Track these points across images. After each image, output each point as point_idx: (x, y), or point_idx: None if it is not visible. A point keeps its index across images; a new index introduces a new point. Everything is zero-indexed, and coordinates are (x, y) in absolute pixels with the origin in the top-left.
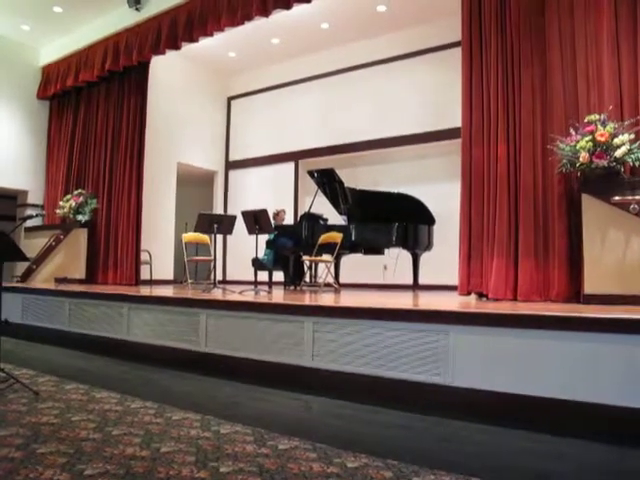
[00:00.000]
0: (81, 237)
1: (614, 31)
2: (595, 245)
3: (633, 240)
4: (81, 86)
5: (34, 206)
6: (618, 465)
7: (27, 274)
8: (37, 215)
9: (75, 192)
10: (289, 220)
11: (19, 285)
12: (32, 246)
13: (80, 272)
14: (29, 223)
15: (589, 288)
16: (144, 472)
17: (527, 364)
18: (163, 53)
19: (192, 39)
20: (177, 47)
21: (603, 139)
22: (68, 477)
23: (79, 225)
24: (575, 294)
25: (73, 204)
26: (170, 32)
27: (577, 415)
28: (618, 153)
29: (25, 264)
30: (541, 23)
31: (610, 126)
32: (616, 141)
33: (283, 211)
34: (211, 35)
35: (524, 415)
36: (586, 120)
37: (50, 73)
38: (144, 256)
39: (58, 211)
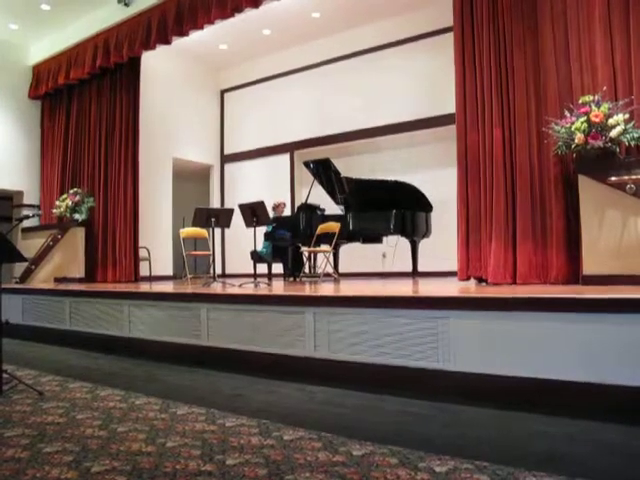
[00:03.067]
0: (79, 236)
1: (606, 11)
2: (593, 226)
3: (630, 220)
4: (73, 84)
5: (30, 206)
6: (631, 445)
7: (26, 275)
8: (33, 215)
9: (71, 191)
10: (287, 212)
11: (19, 286)
12: (30, 247)
13: (79, 271)
14: (26, 223)
15: (588, 269)
16: (151, 467)
17: (528, 347)
18: (154, 48)
19: (182, 33)
20: (167, 42)
21: (598, 120)
22: (75, 475)
23: (76, 224)
24: (574, 275)
25: (69, 203)
26: (160, 27)
27: (581, 396)
28: (613, 133)
29: (23, 265)
30: (533, 5)
31: (604, 106)
32: (611, 121)
33: (283, 204)
34: (202, 28)
35: (526, 398)
36: (580, 101)
37: (41, 72)
38: (142, 253)
39: (54, 210)
